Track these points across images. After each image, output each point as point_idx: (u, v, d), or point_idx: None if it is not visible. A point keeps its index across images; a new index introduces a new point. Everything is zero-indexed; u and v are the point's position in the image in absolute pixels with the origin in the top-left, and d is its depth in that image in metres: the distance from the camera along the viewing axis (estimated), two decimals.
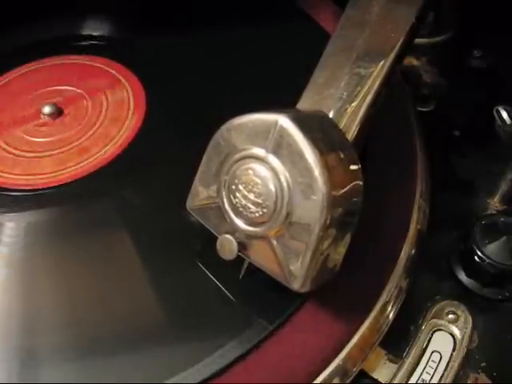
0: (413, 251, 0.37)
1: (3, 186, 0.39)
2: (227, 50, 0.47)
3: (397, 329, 0.35)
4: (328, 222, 0.27)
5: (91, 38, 0.50)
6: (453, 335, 0.35)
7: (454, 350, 0.34)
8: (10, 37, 0.50)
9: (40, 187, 0.39)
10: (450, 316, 0.36)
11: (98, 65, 0.47)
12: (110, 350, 0.32)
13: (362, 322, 0.33)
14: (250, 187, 0.29)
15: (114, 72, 0.46)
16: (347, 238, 0.30)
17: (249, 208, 0.29)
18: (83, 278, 0.35)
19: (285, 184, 0.28)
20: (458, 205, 0.42)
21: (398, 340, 0.35)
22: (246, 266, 0.32)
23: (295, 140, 0.28)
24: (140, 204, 0.38)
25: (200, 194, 0.32)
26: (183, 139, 0.40)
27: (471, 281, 0.38)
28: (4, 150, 0.41)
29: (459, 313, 0.36)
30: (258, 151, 0.29)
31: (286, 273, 0.29)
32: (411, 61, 0.50)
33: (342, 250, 0.30)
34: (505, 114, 0.40)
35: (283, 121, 0.28)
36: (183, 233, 0.36)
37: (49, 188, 0.38)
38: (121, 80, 0.45)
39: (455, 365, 0.34)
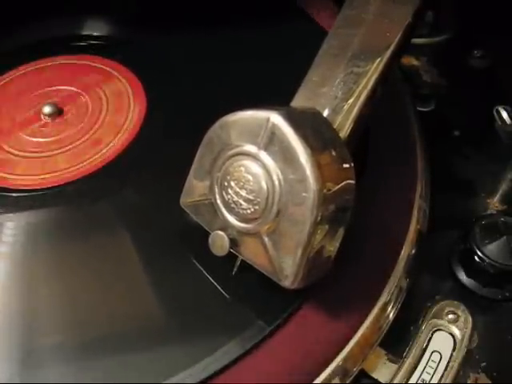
0: (413, 251, 0.37)
1: (3, 186, 0.39)
2: (227, 50, 0.47)
3: (397, 329, 0.35)
4: (319, 219, 0.27)
5: (91, 38, 0.50)
6: (453, 335, 0.35)
7: (454, 349, 0.34)
8: (9, 37, 0.50)
9: (40, 187, 0.39)
10: (450, 316, 0.36)
11: (98, 65, 0.47)
12: (109, 350, 0.32)
13: (362, 322, 0.33)
14: (242, 184, 0.29)
15: (114, 72, 0.46)
16: (340, 234, 0.30)
17: (240, 204, 0.29)
18: (83, 277, 0.35)
19: (276, 181, 0.28)
20: (458, 205, 0.42)
21: (398, 340, 0.35)
22: (238, 262, 0.32)
23: (287, 137, 0.28)
24: (140, 204, 0.38)
25: (193, 190, 0.32)
26: (184, 139, 0.40)
27: (471, 281, 0.38)
28: (4, 150, 0.41)
29: (459, 313, 0.36)
30: (250, 148, 0.29)
31: (277, 270, 0.29)
32: (411, 61, 0.50)
33: (334, 245, 0.30)
34: (505, 114, 0.40)
35: (275, 118, 0.28)
36: (183, 233, 0.36)
37: (49, 188, 0.39)
38: (122, 81, 0.45)
39: (455, 365, 0.34)
